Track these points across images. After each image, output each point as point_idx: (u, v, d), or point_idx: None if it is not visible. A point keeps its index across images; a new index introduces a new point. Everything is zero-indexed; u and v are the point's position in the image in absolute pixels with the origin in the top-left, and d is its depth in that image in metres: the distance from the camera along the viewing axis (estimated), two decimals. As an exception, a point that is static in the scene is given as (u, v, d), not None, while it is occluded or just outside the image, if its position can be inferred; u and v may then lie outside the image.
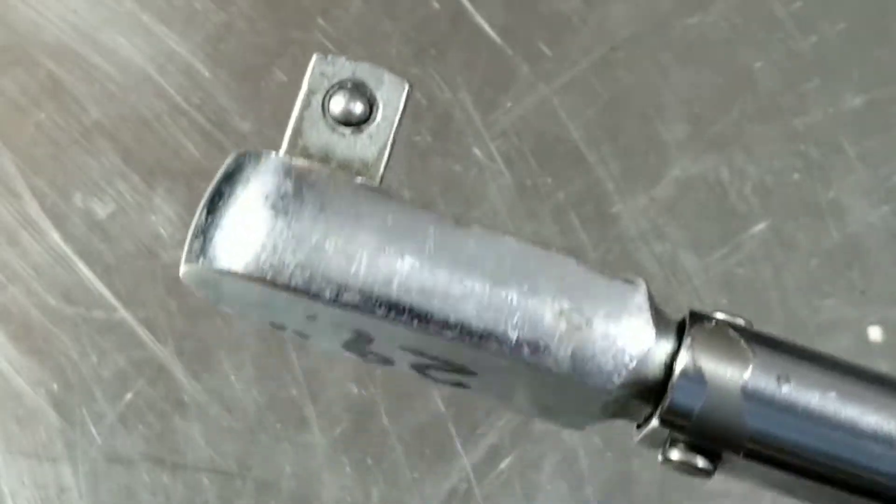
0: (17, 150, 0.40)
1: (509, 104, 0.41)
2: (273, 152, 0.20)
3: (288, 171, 0.20)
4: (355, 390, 0.41)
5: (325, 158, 0.21)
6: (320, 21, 0.41)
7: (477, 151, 0.41)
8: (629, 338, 0.22)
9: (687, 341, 0.22)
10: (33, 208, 0.41)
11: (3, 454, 0.40)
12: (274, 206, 0.20)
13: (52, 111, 0.41)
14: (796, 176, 0.40)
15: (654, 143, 0.41)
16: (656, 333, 0.22)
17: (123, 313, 0.41)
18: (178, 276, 0.25)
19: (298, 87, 0.25)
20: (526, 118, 0.42)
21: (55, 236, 0.40)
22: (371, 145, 0.21)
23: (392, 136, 0.21)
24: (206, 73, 0.41)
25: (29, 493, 0.40)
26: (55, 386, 0.40)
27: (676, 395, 0.22)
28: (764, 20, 0.41)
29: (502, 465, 0.41)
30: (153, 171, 0.41)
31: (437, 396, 0.41)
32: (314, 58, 0.22)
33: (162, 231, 0.41)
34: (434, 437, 0.41)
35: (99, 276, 0.41)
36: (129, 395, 0.40)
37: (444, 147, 0.41)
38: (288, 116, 0.22)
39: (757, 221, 0.40)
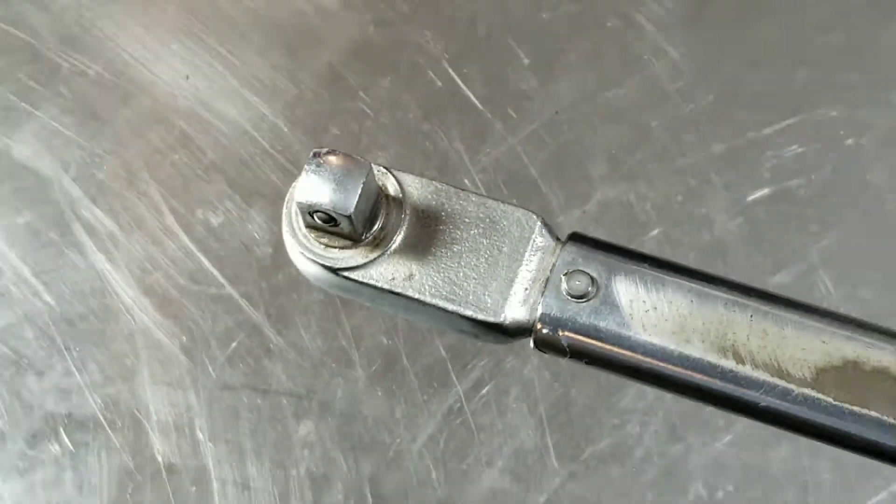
0: (160, 182, 0.53)
1: (488, 150, 0.54)
2: None
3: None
4: (385, 341, 0.53)
5: None
6: (361, 94, 0.55)
7: (466, 181, 0.54)
8: (512, 318, 0.35)
9: (539, 310, 0.34)
10: (170, 220, 0.53)
11: (149, 385, 0.52)
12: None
13: (182, 154, 0.54)
14: (680, 198, 0.54)
15: (586, 177, 0.54)
16: (533, 294, 0.34)
17: (230, 290, 0.53)
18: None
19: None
20: (499, 160, 0.54)
21: (185, 238, 0.53)
22: None
23: None
24: (285, 129, 0.54)
25: (167, 411, 0.52)
26: (184, 338, 0.52)
27: (538, 337, 0.34)
28: (658, 94, 0.54)
29: (483, 391, 0.53)
30: (250, 194, 0.54)
31: (440, 345, 0.53)
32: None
33: (256, 235, 0.53)
34: (438, 372, 0.53)
35: (213, 264, 0.53)
36: (233, 345, 0.52)
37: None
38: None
39: (653, 228, 0.53)
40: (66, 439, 0.52)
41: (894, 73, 0.58)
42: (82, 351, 0.54)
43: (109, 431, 0.52)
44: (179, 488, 0.52)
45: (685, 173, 0.53)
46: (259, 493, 0.51)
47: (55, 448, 0.52)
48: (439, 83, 0.55)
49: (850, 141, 0.55)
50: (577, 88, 0.54)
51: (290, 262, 0.39)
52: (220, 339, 0.54)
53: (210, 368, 0.53)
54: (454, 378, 0.53)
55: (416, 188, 0.38)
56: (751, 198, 0.54)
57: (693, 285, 0.35)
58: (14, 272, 0.53)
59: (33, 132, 0.56)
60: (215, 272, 0.53)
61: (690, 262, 0.53)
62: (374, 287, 0.37)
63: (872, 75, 0.57)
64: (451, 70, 0.56)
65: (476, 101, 0.54)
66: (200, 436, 0.52)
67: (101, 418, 0.52)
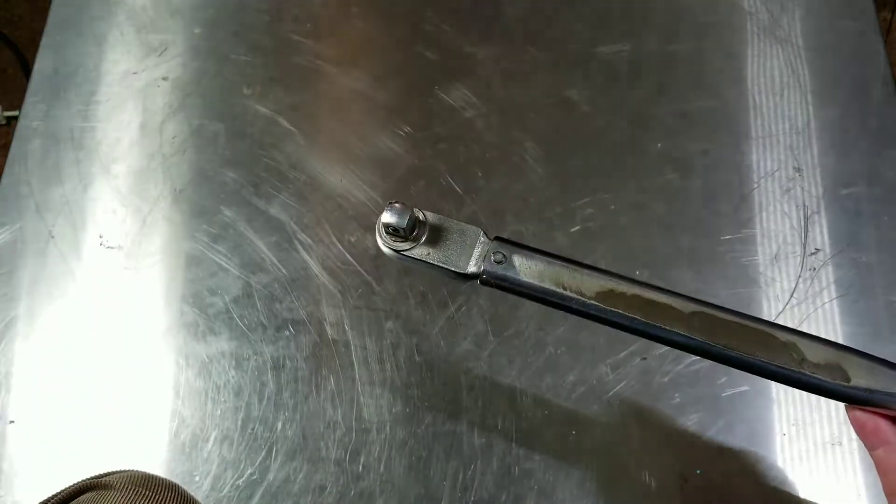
0: (330, 223, 1.07)
1: (468, 204, 0.97)
2: None
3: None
4: (421, 287, 0.87)
5: None
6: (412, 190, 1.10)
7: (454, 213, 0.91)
8: (471, 272, 0.52)
9: (482, 268, 0.51)
10: (335, 239, 1.11)
11: (326, 306, 0.88)
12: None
13: (338, 212, 1.10)
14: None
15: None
16: (479, 262, 0.52)
17: (357, 267, 1.04)
18: (374, 254, 0.89)
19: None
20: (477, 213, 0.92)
21: (339, 247, 1.07)
22: None
23: None
24: (379, 200, 1.04)
25: (333, 313, 0.87)
26: (340, 286, 1.01)
27: (482, 280, 0.54)
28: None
29: (463, 308, 0.86)
30: (367, 228, 0.92)
31: (444, 287, 0.87)
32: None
33: (369, 244, 1.01)
34: (441, 298, 0.87)
35: (351, 255, 1.08)
36: (360, 290, 1.00)
37: (444, 213, 0.64)
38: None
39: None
40: (291, 328, 0.87)
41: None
42: (298, 296, 0.88)
43: (309, 325, 0.86)
44: (338, 351, 0.85)
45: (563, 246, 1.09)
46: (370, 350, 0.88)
47: (286, 332, 0.87)
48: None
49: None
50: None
51: (381, 252, 0.62)
52: (354, 286, 0.90)
53: (350, 299, 0.89)
54: (449, 301, 0.89)
55: (431, 217, 0.58)
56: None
57: (544, 257, 0.55)
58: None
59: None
60: (350, 258, 0.92)
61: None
62: (414, 258, 0.57)
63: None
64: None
65: (465, 196, 0.97)
66: (347, 327, 0.87)
67: (306, 321, 0.87)
